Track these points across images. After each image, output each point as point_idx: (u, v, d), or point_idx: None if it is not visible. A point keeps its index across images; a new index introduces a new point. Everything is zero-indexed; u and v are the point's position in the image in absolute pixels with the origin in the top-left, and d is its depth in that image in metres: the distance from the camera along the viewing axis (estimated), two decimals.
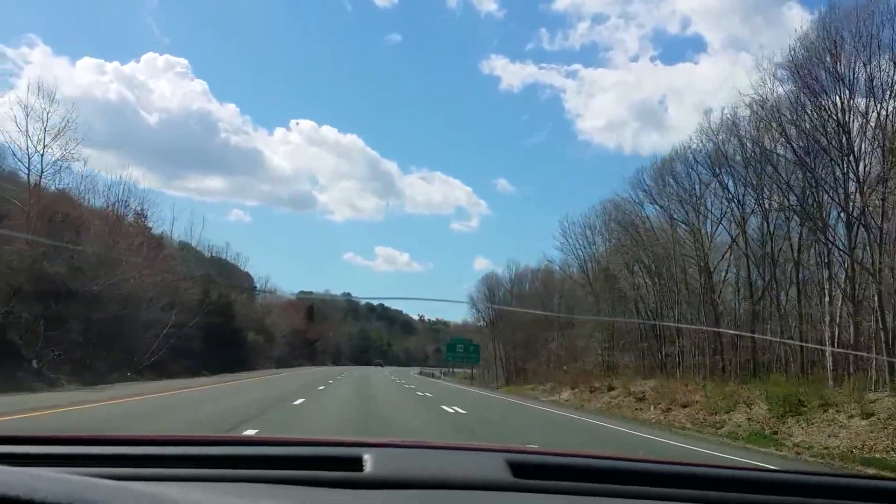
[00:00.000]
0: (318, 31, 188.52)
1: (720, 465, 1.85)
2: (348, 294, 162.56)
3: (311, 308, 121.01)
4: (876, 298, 20.83)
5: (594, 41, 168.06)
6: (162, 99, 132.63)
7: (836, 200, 22.59)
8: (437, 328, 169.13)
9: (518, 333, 66.40)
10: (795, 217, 25.70)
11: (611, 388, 30.95)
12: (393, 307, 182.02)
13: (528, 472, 1.63)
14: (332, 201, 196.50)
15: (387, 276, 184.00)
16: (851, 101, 22.12)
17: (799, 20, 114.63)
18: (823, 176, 23.29)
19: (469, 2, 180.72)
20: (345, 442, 1.90)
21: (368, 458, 1.60)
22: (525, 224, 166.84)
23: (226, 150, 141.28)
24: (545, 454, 1.90)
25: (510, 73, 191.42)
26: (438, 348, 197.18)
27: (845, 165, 22.13)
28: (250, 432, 11.13)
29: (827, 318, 23.13)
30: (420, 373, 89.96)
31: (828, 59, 22.17)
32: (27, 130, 27.67)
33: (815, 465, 13.13)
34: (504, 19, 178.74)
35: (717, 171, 30.49)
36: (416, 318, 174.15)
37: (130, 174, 54.47)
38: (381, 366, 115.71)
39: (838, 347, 21.15)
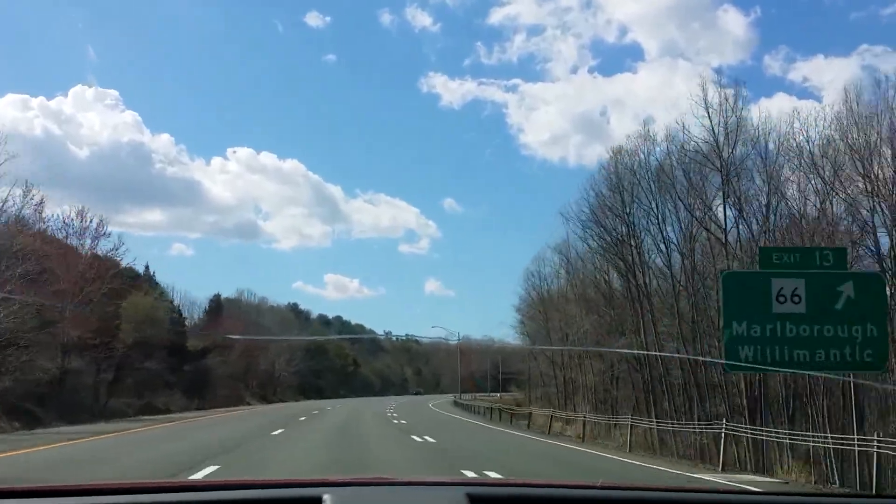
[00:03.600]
0: (250, 55, 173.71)
1: (687, 488, 2.07)
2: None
3: (218, 302, 67.40)
4: None
5: (532, 53, 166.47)
6: (92, 132, 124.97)
7: None
8: (407, 347, 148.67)
9: None
10: None
11: None
12: (353, 321, 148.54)
13: None
14: (278, 229, 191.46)
15: (338, 303, 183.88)
16: None
17: (735, 23, 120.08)
18: None
19: (404, 18, 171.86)
20: (304, 482, 1.84)
21: (328, 499, 1.58)
22: (476, 244, 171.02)
23: (163, 182, 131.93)
24: (505, 485, 1.94)
25: (449, 91, 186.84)
26: (419, 369, 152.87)
27: None
28: None
29: None
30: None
31: None
32: None
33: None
34: (440, 34, 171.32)
35: None
36: (381, 334, 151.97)
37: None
38: (420, 394, 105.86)
39: None
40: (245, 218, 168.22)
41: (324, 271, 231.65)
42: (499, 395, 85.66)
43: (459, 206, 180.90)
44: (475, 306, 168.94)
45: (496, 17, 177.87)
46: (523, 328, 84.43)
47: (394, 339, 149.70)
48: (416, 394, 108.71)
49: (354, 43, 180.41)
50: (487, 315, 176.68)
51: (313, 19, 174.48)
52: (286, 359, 77.35)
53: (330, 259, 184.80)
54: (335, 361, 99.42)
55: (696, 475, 14.07)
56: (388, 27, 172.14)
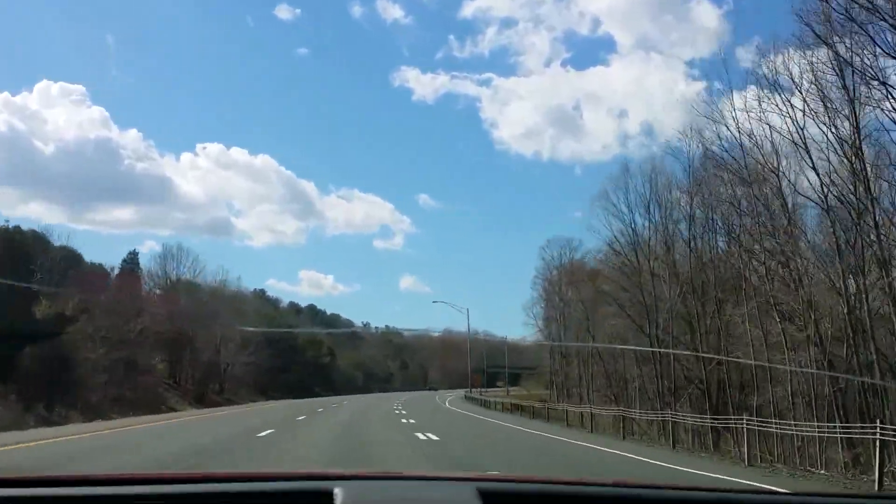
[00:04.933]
0: (219, 49, 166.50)
1: (698, 486, 1.88)
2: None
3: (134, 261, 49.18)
4: None
5: (504, 46, 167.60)
6: (58, 128, 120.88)
7: None
8: (388, 337, 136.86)
9: None
10: None
11: None
12: (329, 311, 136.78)
13: (499, 500, 1.64)
14: (251, 226, 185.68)
15: (313, 299, 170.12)
16: None
17: (708, 16, 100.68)
18: None
19: (375, 11, 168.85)
20: (314, 475, 1.82)
21: (339, 492, 1.58)
22: (452, 239, 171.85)
23: (132, 179, 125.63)
24: (516, 481, 1.90)
25: (422, 85, 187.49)
26: (405, 363, 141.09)
27: None
28: None
29: None
30: None
31: None
32: None
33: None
34: (412, 26, 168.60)
35: None
36: (359, 323, 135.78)
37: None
38: (434, 390, 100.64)
39: None
40: (217, 215, 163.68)
41: (298, 268, 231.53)
42: (506, 390, 76.41)
43: (434, 201, 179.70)
44: (454, 300, 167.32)
45: (468, 9, 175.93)
46: (543, 308, 68.10)
47: (373, 330, 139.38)
48: (429, 389, 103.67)
49: (326, 36, 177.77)
50: (471, 310, 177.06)
51: (283, 12, 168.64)
52: (237, 345, 58.20)
53: (304, 256, 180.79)
54: (305, 352, 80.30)
55: None
56: (359, 20, 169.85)
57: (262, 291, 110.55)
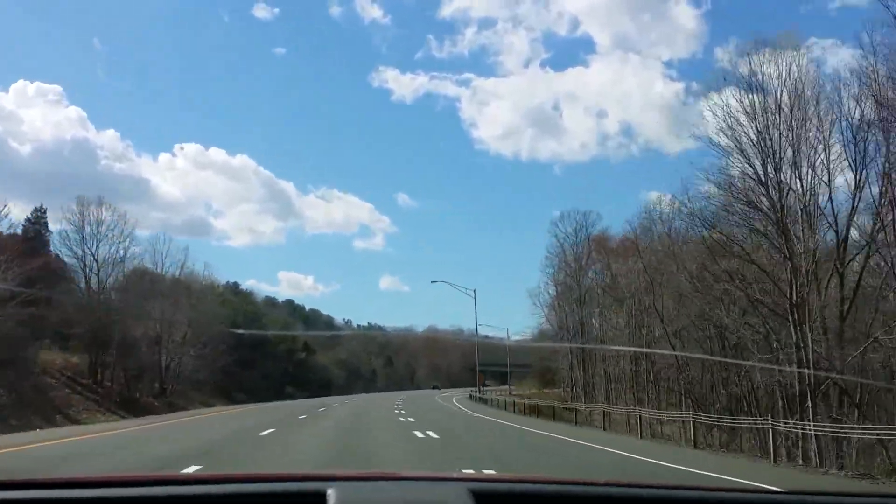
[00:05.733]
0: (198, 49, 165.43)
1: (692, 486, 1.88)
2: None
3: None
4: None
5: (484, 46, 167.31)
6: (34, 129, 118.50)
7: None
8: (371, 335, 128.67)
9: None
10: None
11: None
12: (309, 306, 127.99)
13: (491, 501, 1.64)
14: (229, 226, 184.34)
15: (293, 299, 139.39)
16: None
17: (686, 16, 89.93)
18: None
19: (353, 11, 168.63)
20: (307, 476, 1.83)
21: (332, 494, 1.58)
22: (432, 238, 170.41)
23: (110, 179, 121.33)
24: (509, 482, 1.90)
25: (401, 85, 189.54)
26: (389, 359, 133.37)
27: None
28: None
29: None
30: None
31: None
32: None
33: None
34: (390, 26, 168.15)
35: None
36: (341, 320, 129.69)
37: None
38: (437, 388, 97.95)
39: None
40: (195, 215, 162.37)
41: (278, 268, 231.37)
42: (509, 389, 73.53)
43: (413, 200, 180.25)
44: (436, 299, 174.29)
45: (447, 9, 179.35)
46: (553, 295, 58.98)
47: (355, 327, 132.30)
48: (433, 388, 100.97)
49: (304, 36, 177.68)
50: (454, 308, 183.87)
51: (261, 11, 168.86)
52: (184, 337, 46.85)
53: (284, 256, 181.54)
54: (278, 346, 69.03)
55: None
56: (337, 19, 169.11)
57: (236, 284, 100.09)
